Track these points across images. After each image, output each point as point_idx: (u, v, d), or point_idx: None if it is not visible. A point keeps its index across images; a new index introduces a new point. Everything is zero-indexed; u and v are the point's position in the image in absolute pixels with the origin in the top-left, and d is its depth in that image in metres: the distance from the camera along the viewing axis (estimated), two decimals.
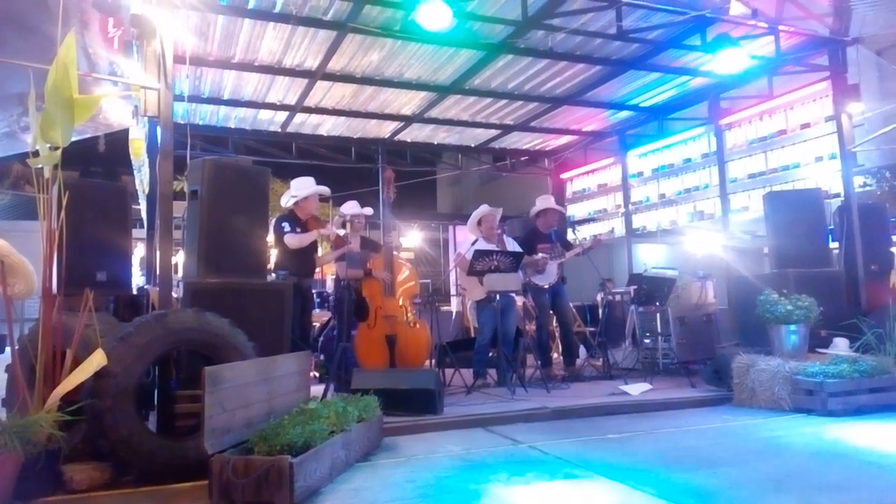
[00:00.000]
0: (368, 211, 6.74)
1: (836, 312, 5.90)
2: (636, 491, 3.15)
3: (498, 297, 6.20)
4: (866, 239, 6.67)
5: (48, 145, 3.52)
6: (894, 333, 5.31)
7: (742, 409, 5.34)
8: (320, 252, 6.69)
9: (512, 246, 6.71)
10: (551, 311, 7.14)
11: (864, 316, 5.90)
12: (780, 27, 6.77)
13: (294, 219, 6.01)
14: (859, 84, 6.93)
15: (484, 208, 6.84)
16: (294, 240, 5.85)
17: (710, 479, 3.30)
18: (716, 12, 6.23)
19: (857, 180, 7.62)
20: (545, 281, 6.89)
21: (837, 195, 7.23)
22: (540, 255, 6.88)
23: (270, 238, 6.03)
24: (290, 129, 9.26)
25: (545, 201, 7.33)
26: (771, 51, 7.03)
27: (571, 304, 7.84)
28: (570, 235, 7.93)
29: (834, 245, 6.94)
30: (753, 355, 5.60)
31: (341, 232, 6.39)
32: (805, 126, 7.81)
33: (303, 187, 6.09)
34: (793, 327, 5.59)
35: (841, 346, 5.66)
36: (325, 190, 6.21)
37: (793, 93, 7.93)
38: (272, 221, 6.10)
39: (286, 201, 6.19)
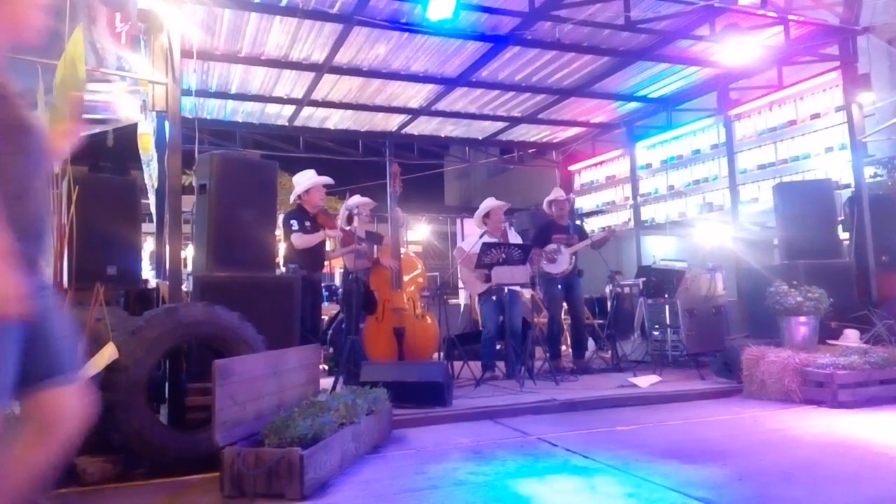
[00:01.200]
0: (372, 202, 6.77)
1: (846, 304, 5.87)
2: (646, 482, 3.14)
3: (506, 290, 6.20)
4: (877, 230, 6.63)
5: None
6: None
7: (752, 401, 5.33)
8: (329, 246, 6.71)
9: (515, 239, 6.71)
10: (564, 303, 7.12)
11: (874, 307, 5.87)
12: (790, 17, 6.71)
13: (302, 214, 6.01)
14: (870, 73, 6.87)
15: (492, 202, 6.82)
16: (300, 240, 5.85)
17: (719, 471, 3.29)
18: (724, 2, 6.19)
19: (868, 171, 7.55)
20: (557, 269, 6.86)
21: (848, 186, 7.18)
22: (551, 245, 6.86)
23: (279, 232, 6.05)
24: (297, 122, 9.27)
25: (552, 193, 7.35)
26: (780, 41, 6.98)
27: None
28: None
29: (844, 236, 6.90)
30: (763, 347, 5.58)
31: (347, 227, 6.41)
32: (815, 116, 7.74)
33: (303, 180, 6.10)
34: (803, 319, 5.57)
35: (851, 337, 5.64)
36: (326, 180, 6.21)
37: (803, 83, 7.87)
38: (280, 215, 6.12)
39: (292, 198, 6.21)
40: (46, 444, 1.73)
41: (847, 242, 6.83)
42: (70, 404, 1.76)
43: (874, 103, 7.09)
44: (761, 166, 8.46)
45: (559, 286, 6.93)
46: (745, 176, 8.64)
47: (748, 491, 2.98)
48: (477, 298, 6.86)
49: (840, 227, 6.86)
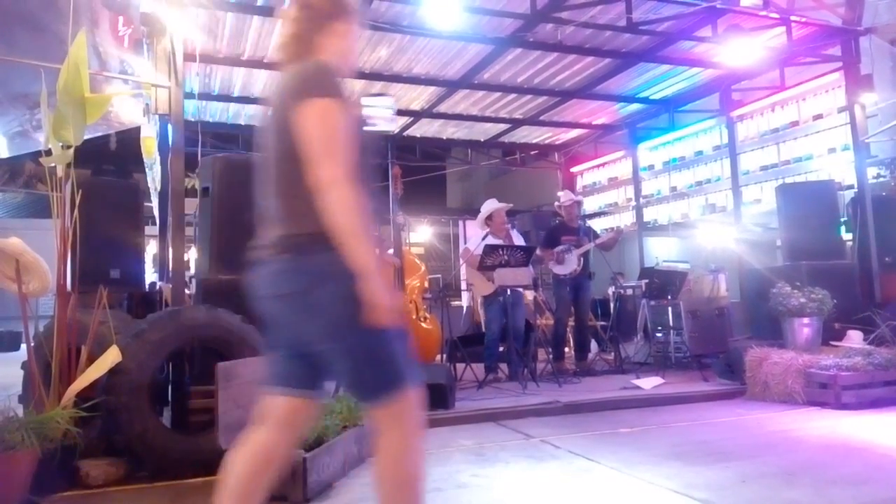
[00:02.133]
0: None
1: (849, 305, 5.86)
2: (649, 485, 3.14)
3: (509, 291, 6.19)
4: (880, 231, 6.61)
5: (61, 144, 3.55)
6: None
7: (755, 403, 5.32)
8: None
9: (518, 240, 6.71)
10: (571, 306, 7.10)
11: (878, 308, 5.85)
12: (792, 18, 6.71)
13: None
14: (872, 74, 6.86)
15: (494, 203, 6.82)
16: None
17: (722, 473, 3.29)
18: (727, 3, 6.18)
19: (871, 171, 7.53)
20: (565, 270, 6.85)
21: (850, 187, 7.17)
22: (560, 246, 6.86)
23: None
24: None
25: (565, 195, 7.36)
26: (783, 42, 6.97)
27: None
28: None
29: (847, 237, 6.89)
30: (766, 348, 5.57)
31: None
32: (818, 117, 7.73)
33: None
34: (806, 320, 5.56)
35: (855, 338, 5.63)
36: None
37: (805, 84, 7.86)
38: None
39: None
40: (411, 442, 1.91)
41: (850, 243, 6.82)
42: (417, 404, 1.91)
43: (877, 104, 7.08)
44: (764, 167, 8.45)
45: (567, 288, 6.92)
46: (748, 177, 8.63)
47: (751, 493, 2.98)
48: (481, 300, 6.86)
49: (843, 229, 6.85)
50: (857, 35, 6.80)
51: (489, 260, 6.13)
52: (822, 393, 4.97)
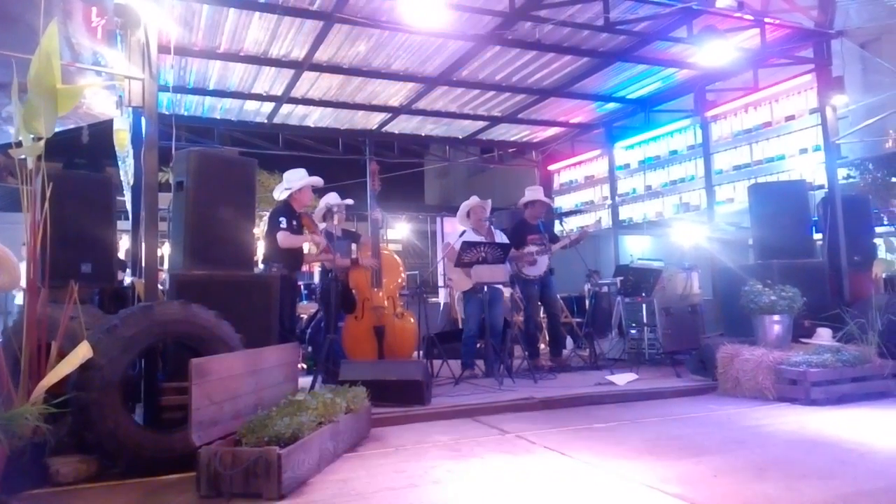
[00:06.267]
0: (349, 201, 6.75)
1: (819, 303, 5.96)
2: (623, 479, 3.17)
3: (486, 288, 6.22)
4: (849, 230, 6.75)
5: (31, 136, 3.48)
6: (876, 323, 5.37)
7: (726, 399, 5.40)
8: (305, 249, 6.65)
9: (500, 237, 6.73)
10: (539, 303, 7.17)
11: (847, 306, 5.96)
12: (766, 20, 6.81)
13: (290, 212, 5.94)
14: (843, 76, 6.99)
15: (473, 200, 6.85)
16: (287, 240, 5.76)
17: (695, 467, 3.33)
18: (702, 4, 6.25)
19: (841, 172, 7.69)
20: (538, 272, 6.90)
21: (821, 187, 7.31)
22: (528, 248, 6.87)
23: (257, 230, 5.98)
24: (276, 120, 9.20)
25: (534, 192, 7.32)
26: (756, 43, 7.07)
27: (559, 296, 7.88)
28: (556, 227, 7.97)
29: (818, 236, 7.01)
30: (738, 345, 5.65)
31: (322, 225, 6.38)
32: (790, 118, 7.87)
33: (296, 179, 6.04)
34: (776, 317, 5.64)
35: (824, 336, 5.73)
36: (317, 181, 6.17)
37: (778, 85, 7.99)
38: (261, 213, 6.05)
39: (279, 194, 6.13)
40: None
41: (820, 242, 6.94)
42: None
43: (847, 105, 7.22)
44: (737, 167, 8.57)
45: (536, 287, 6.97)
46: (721, 176, 8.75)
47: (723, 487, 3.02)
48: (460, 296, 6.86)
49: (813, 228, 6.97)
50: (828, 38, 6.92)
51: (467, 256, 6.15)
52: (792, 389, 5.06)
